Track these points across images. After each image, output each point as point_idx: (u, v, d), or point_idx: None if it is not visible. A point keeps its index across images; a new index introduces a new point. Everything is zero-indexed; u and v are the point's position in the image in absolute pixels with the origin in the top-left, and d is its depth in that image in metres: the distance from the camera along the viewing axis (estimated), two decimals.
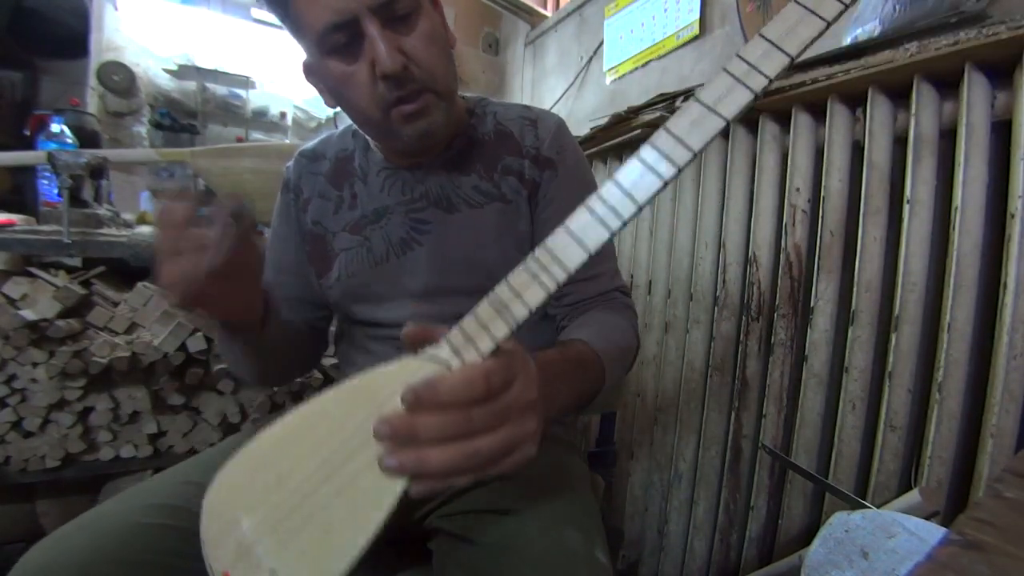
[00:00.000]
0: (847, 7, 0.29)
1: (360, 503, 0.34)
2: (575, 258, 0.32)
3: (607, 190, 0.32)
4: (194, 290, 0.41)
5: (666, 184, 0.31)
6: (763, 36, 0.30)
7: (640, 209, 0.31)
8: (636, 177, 0.31)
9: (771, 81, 0.30)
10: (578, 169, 0.66)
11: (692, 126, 0.31)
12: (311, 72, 0.58)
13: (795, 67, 0.84)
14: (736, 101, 0.30)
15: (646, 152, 0.31)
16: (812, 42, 0.30)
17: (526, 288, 0.32)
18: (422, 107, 0.54)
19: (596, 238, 0.32)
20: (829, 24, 0.29)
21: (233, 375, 1.14)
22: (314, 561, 0.35)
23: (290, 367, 0.72)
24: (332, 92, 0.57)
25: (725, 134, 1.01)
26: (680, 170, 0.31)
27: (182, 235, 0.40)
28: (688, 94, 1.01)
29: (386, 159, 0.64)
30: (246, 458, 0.39)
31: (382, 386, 0.35)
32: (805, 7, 0.29)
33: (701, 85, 0.98)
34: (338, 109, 0.60)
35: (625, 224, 0.31)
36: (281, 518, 0.37)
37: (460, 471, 0.32)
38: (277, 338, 0.60)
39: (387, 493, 0.34)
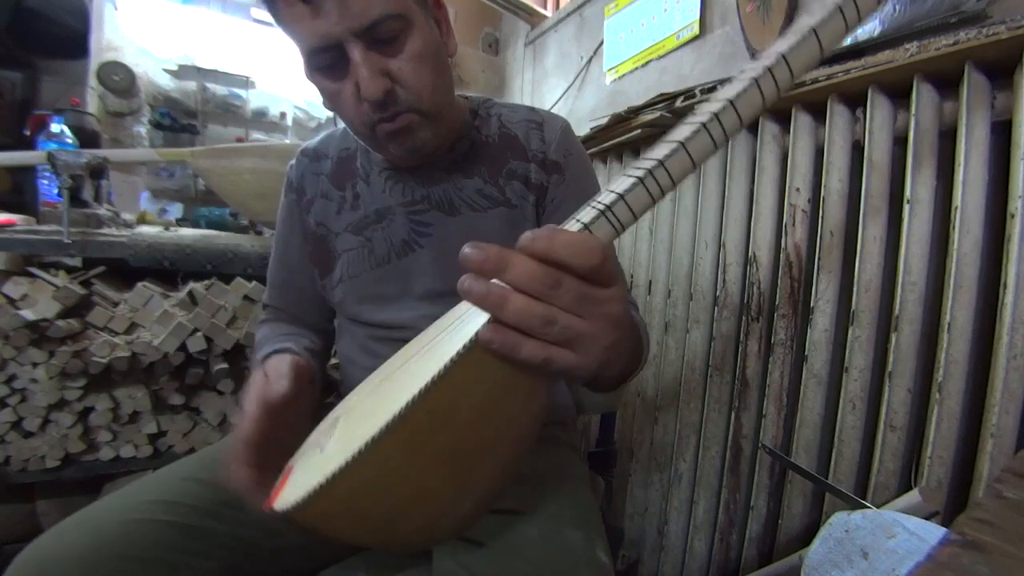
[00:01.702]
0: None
1: (413, 378, 0.32)
2: (682, 165, 0.32)
3: (722, 111, 0.32)
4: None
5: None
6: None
7: (742, 124, 0.32)
8: (739, 90, 0.32)
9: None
10: (585, 172, 0.66)
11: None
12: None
13: None
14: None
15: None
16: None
17: (631, 191, 0.32)
18: (404, 126, 0.54)
19: (701, 150, 0.32)
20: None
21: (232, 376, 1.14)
22: (352, 432, 0.33)
23: None
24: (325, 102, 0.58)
25: None
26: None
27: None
28: (688, 94, 1.01)
29: (387, 159, 0.64)
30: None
31: None
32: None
33: (702, 85, 0.98)
34: None
35: (726, 138, 0.32)
36: (350, 410, 0.38)
37: (530, 329, 0.29)
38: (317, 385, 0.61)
39: (428, 370, 0.31)
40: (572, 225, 0.32)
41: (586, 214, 0.32)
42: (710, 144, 0.32)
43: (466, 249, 0.29)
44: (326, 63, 0.51)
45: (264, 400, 0.45)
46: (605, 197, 0.32)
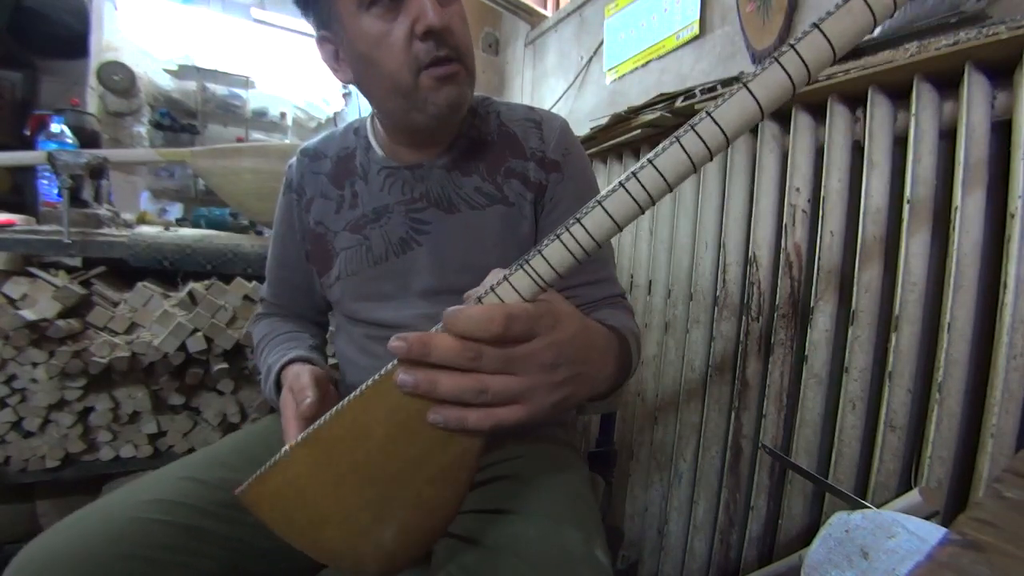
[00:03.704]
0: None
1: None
2: (601, 225, 0.32)
3: (641, 169, 0.32)
4: None
5: (693, 165, 0.31)
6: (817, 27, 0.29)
7: (670, 188, 0.31)
8: (665, 157, 0.31)
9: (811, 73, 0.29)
10: (584, 171, 0.66)
11: (731, 108, 0.30)
12: (329, 48, 0.59)
13: None
14: (776, 91, 0.29)
15: (685, 137, 0.31)
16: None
17: (548, 245, 0.33)
18: (451, 73, 0.54)
19: (623, 212, 0.32)
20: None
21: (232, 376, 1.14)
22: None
23: None
24: (359, 58, 0.56)
25: None
26: (710, 152, 0.30)
27: None
28: (688, 94, 1.01)
29: (387, 156, 0.65)
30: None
31: None
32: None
33: (702, 85, 0.98)
34: (339, 110, 0.61)
35: (650, 199, 0.32)
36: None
37: (466, 401, 0.32)
38: None
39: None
40: (496, 279, 0.34)
41: (512, 269, 0.34)
42: (632, 205, 0.32)
43: (392, 342, 0.32)
44: None
45: (300, 416, 0.49)
46: (529, 254, 0.34)
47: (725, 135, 0.30)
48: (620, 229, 0.33)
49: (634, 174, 0.32)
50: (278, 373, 0.60)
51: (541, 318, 0.34)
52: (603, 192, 0.33)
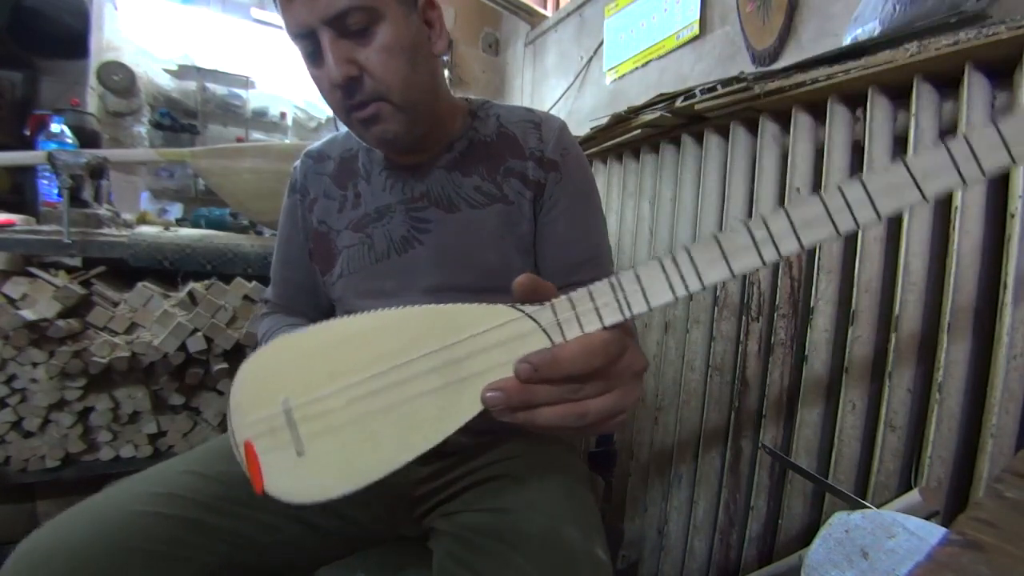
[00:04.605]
0: None
1: (414, 428, 0.34)
2: (717, 272, 0.30)
3: (774, 219, 0.29)
4: None
5: (839, 234, 0.29)
6: (997, 129, 0.27)
7: (802, 246, 0.29)
8: (810, 216, 0.29)
9: (985, 175, 0.27)
10: (582, 171, 0.67)
11: (889, 187, 0.28)
12: None
13: (795, 67, 0.84)
14: (943, 182, 0.28)
15: (831, 197, 0.29)
16: None
17: (654, 285, 0.31)
18: (372, 115, 0.55)
19: (746, 263, 0.30)
20: None
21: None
22: (348, 461, 0.35)
23: None
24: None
25: (724, 134, 1.01)
26: (860, 227, 0.29)
27: None
28: (688, 94, 1.01)
29: (386, 158, 0.65)
30: (302, 341, 0.39)
31: (466, 324, 0.34)
32: None
33: (702, 85, 0.98)
34: None
35: (780, 257, 0.29)
36: (323, 412, 0.37)
37: (566, 428, 0.33)
38: None
39: (444, 426, 0.33)
40: (582, 302, 0.32)
41: (600, 292, 0.32)
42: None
43: (488, 395, 0.31)
44: (307, 50, 0.54)
45: None
46: (624, 279, 0.32)
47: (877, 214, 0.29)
48: (733, 274, 0.30)
49: (762, 221, 0.29)
50: None
51: (625, 328, 0.34)
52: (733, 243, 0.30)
